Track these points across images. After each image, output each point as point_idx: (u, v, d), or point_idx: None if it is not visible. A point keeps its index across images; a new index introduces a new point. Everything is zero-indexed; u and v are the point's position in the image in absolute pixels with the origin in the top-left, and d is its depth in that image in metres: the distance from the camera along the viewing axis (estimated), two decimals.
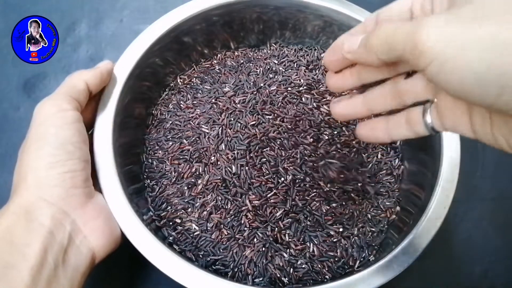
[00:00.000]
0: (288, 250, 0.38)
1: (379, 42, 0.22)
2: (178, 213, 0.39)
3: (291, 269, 0.37)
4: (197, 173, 0.40)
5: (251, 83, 0.44)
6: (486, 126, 0.22)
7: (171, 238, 0.38)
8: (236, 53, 0.48)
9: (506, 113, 0.19)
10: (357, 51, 0.24)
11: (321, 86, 0.45)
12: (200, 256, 0.38)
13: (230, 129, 0.41)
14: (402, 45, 0.20)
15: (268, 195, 0.38)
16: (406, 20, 0.23)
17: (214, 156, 0.40)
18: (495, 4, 0.17)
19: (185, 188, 0.40)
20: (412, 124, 0.27)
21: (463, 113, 0.23)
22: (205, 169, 0.40)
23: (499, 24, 0.17)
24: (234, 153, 0.40)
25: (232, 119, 0.42)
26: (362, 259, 0.39)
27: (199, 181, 0.39)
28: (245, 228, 0.38)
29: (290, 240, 0.38)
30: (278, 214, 0.38)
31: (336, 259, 0.38)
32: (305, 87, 0.44)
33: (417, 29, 0.19)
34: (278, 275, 0.37)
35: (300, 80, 0.44)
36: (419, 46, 0.19)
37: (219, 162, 0.40)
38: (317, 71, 0.46)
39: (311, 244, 0.38)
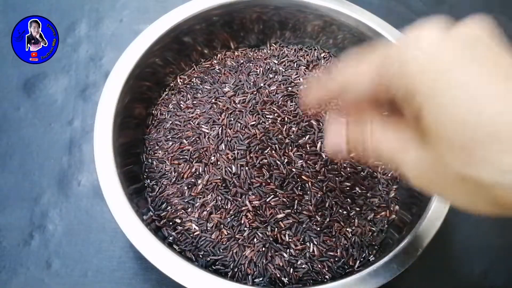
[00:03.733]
0: (288, 250, 0.38)
1: (373, 154, 0.23)
2: (178, 213, 0.39)
3: (291, 269, 0.37)
4: (197, 173, 0.40)
5: (251, 83, 0.44)
6: None
7: (171, 238, 0.38)
8: (236, 53, 0.48)
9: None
10: (344, 154, 0.25)
11: None
12: (200, 256, 0.38)
13: (230, 129, 0.41)
14: (393, 167, 0.22)
15: (268, 199, 0.38)
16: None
17: (214, 156, 0.40)
18: (457, 141, 0.18)
19: (185, 188, 0.39)
20: None
21: None
22: (205, 169, 0.40)
23: (463, 195, 0.19)
24: (234, 153, 0.40)
25: (232, 119, 0.42)
26: (362, 259, 0.39)
27: (199, 181, 0.39)
28: (245, 228, 0.38)
29: (290, 240, 0.38)
30: (279, 215, 0.38)
31: (336, 259, 0.38)
32: (305, 87, 0.44)
33: (403, 170, 0.22)
34: (278, 275, 0.37)
35: (300, 80, 0.44)
36: (406, 177, 0.22)
37: (219, 162, 0.40)
38: (317, 71, 0.46)
39: (311, 244, 0.38)
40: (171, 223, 0.39)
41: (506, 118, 0.16)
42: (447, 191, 0.20)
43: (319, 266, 0.37)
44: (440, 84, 0.18)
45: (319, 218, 0.38)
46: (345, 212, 0.39)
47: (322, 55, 0.48)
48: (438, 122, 0.18)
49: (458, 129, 0.17)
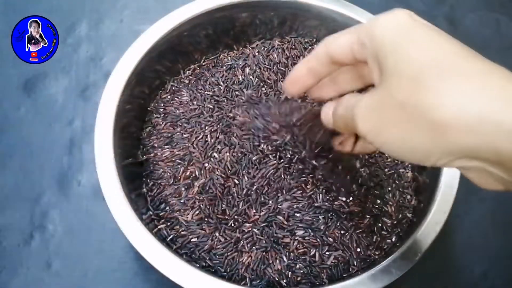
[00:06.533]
0: (288, 253, 0.37)
1: (340, 123, 0.28)
2: (175, 214, 0.39)
3: (290, 273, 0.37)
4: (193, 175, 0.40)
5: (251, 83, 0.44)
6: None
7: (169, 238, 0.38)
8: (236, 53, 0.48)
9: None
10: (334, 125, 0.29)
11: None
12: (197, 258, 0.38)
13: (229, 131, 0.41)
14: (351, 125, 0.26)
15: (267, 201, 0.38)
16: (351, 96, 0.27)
17: (210, 159, 0.40)
18: (400, 94, 0.22)
19: (182, 189, 0.40)
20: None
21: None
22: (202, 172, 0.40)
23: (400, 129, 0.23)
24: (232, 156, 0.40)
25: (232, 120, 0.42)
26: (361, 264, 0.38)
27: (196, 183, 0.39)
28: (244, 232, 0.38)
29: (289, 244, 0.38)
30: (278, 217, 0.38)
31: (335, 264, 0.38)
32: None
33: (355, 118, 0.25)
34: (277, 278, 0.37)
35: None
36: (359, 131, 0.25)
37: (215, 166, 0.40)
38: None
39: (312, 249, 0.38)
40: (169, 223, 0.39)
41: (448, 56, 0.22)
42: (388, 128, 0.23)
43: (318, 269, 0.37)
44: (401, 37, 0.23)
45: (319, 225, 0.38)
46: (344, 217, 0.39)
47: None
48: (396, 62, 0.23)
49: (410, 64, 0.22)
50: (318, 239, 0.38)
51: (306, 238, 0.38)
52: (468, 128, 0.20)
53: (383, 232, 0.39)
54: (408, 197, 0.42)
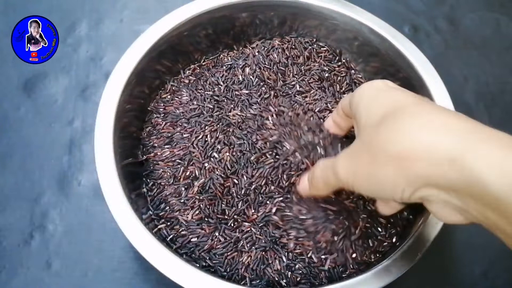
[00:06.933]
0: (287, 253, 0.37)
1: (322, 184, 0.33)
2: (175, 214, 0.39)
3: (290, 273, 0.37)
4: (193, 175, 0.40)
5: (251, 83, 0.44)
6: None
7: (169, 238, 0.38)
8: (236, 53, 0.48)
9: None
10: (310, 193, 0.35)
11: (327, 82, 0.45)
12: (197, 257, 0.38)
13: (228, 132, 0.41)
14: (332, 178, 0.31)
15: (266, 204, 0.38)
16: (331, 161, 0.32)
17: (210, 158, 0.40)
18: (365, 140, 0.28)
19: (182, 189, 0.40)
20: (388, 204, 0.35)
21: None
22: (202, 172, 0.40)
23: (366, 166, 0.27)
24: (231, 155, 0.40)
25: (232, 120, 0.42)
26: (361, 264, 0.38)
27: (195, 183, 0.39)
28: (243, 232, 0.38)
29: (287, 245, 0.38)
30: (273, 217, 0.38)
31: (333, 267, 0.38)
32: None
33: (335, 168, 0.30)
34: (277, 278, 0.37)
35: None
36: (338, 177, 0.30)
37: (215, 165, 0.40)
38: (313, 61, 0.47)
39: (310, 252, 0.38)
40: (169, 223, 0.39)
41: (403, 105, 0.27)
42: (360, 169, 0.28)
43: (317, 270, 0.37)
44: (372, 99, 0.30)
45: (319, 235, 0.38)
46: (344, 220, 0.39)
47: (321, 49, 0.48)
48: (366, 118, 0.29)
49: (374, 116, 0.28)
50: (311, 241, 0.38)
51: (300, 239, 0.38)
52: (419, 157, 0.23)
53: (379, 237, 0.39)
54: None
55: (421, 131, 0.24)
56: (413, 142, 0.24)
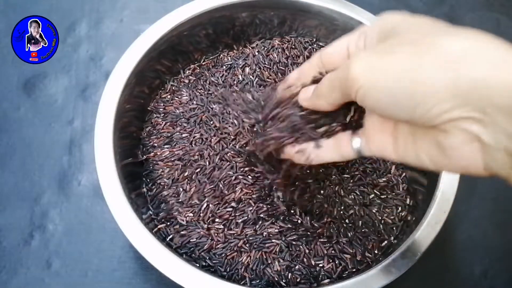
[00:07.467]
0: (286, 255, 0.37)
1: (325, 88, 0.26)
2: (175, 213, 0.39)
3: (289, 274, 0.37)
4: (192, 176, 0.40)
5: (251, 83, 0.44)
6: (408, 148, 0.24)
7: (169, 237, 0.38)
8: (236, 53, 0.48)
9: (423, 125, 0.22)
10: (311, 99, 0.28)
11: None
12: (197, 257, 0.38)
13: (227, 131, 0.41)
14: (341, 81, 0.24)
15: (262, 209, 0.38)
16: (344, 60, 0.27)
17: (208, 160, 0.40)
18: (409, 38, 0.22)
19: (181, 189, 0.40)
20: (340, 147, 0.29)
21: (388, 137, 0.26)
22: (201, 172, 0.40)
23: (408, 55, 0.21)
24: (230, 157, 0.40)
25: (232, 121, 0.42)
26: (361, 264, 0.38)
27: (193, 184, 0.39)
28: (243, 232, 0.38)
29: (283, 248, 0.38)
30: (275, 220, 0.38)
31: (334, 266, 0.38)
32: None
33: (349, 64, 0.23)
34: (276, 279, 0.37)
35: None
36: (350, 77, 0.23)
37: (214, 167, 0.40)
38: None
39: (309, 258, 0.38)
40: (168, 223, 0.39)
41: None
42: (393, 59, 0.22)
43: (316, 270, 0.37)
44: (405, 19, 0.24)
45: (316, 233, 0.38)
46: (344, 223, 0.39)
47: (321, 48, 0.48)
48: (409, 26, 0.23)
49: (419, 28, 0.22)
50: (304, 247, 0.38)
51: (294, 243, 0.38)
52: (485, 60, 0.19)
53: (379, 237, 0.39)
54: (400, 201, 0.41)
55: (492, 39, 0.19)
56: (480, 43, 0.19)
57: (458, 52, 0.19)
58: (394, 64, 0.21)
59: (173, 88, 0.46)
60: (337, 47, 0.28)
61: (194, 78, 0.46)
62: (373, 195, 0.41)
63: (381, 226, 0.40)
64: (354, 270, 0.37)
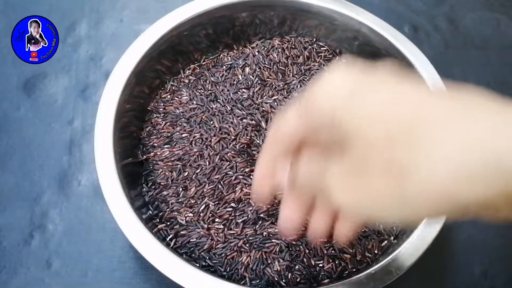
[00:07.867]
0: (286, 254, 0.37)
1: (304, 189, 0.26)
2: (174, 213, 0.39)
3: (289, 274, 0.37)
4: (191, 177, 0.40)
5: (251, 83, 0.44)
6: None
7: (169, 237, 0.38)
8: (236, 53, 0.48)
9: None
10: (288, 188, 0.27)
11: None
12: (197, 257, 0.38)
13: (227, 131, 0.41)
14: (325, 199, 0.24)
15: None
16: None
17: (208, 160, 0.40)
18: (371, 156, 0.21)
19: (181, 189, 0.40)
20: None
21: None
22: (201, 172, 0.40)
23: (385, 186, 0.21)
24: (230, 157, 0.40)
25: (232, 120, 0.42)
26: (361, 264, 0.38)
27: (193, 184, 0.39)
28: (243, 232, 0.38)
29: (286, 249, 0.38)
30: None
31: (334, 266, 0.38)
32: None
33: (327, 185, 0.23)
34: (276, 278, 0.37)
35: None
36: (335, 203, 0.23)
37: (214, 167, 0.40)
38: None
39: (309, 258, 0.38)
40: (168, 223, 0.39)
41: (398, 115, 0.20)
42: (365, 190, 0.22)
43: (316, 270, 0.37)
44: (357, 110, 0.22)
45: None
46: None
47: (321, 48, 0.48)
48: (360, 130, 0.21)
49: (376, 128, 0.21)
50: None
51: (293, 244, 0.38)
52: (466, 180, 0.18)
53: (379, 237, 0.39)
54: None
55: (462, 150, 0.18)
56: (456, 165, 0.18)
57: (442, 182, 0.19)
58: (383, 198, 0.21)
59: (173, 88, 0.46)
60: (263, 171, 0.27)
61: (194, 78, 0.46)
62: None
63: (381, 226, 0.40)
64: (354, 270, 0.37)
